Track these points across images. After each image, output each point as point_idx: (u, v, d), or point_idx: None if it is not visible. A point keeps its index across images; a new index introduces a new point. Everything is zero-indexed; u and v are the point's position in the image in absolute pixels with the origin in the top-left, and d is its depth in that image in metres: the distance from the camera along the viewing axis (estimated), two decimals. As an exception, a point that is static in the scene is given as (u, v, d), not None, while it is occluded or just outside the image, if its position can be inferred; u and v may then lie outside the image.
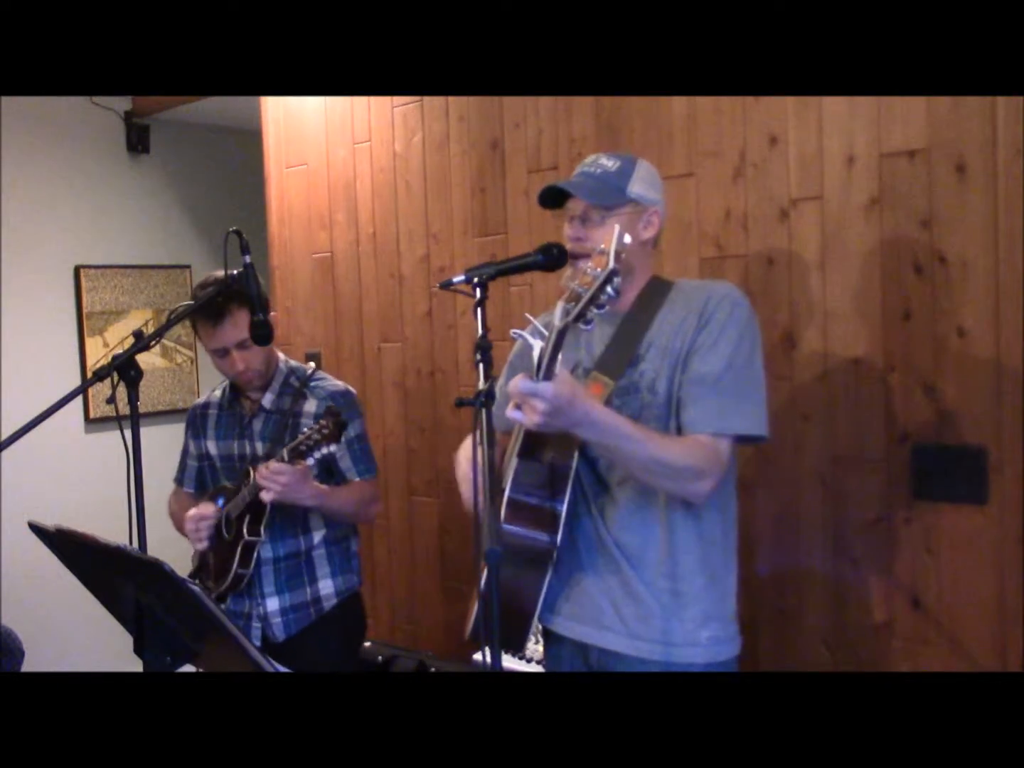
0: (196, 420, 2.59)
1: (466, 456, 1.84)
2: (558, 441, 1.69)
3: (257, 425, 2.44)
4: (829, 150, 2.26)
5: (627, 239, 1.46)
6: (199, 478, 2.60)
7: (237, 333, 2.32)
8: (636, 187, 1.80)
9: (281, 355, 2.53)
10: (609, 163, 1.82)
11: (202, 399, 2.63)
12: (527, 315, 1.81)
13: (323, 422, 2.11)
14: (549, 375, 1.47)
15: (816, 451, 2.32)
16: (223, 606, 2.46)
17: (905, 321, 2.17)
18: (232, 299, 2.30)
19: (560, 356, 1.49)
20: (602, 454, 1.76)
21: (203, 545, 2.39)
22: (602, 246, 1.46)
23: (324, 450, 2.13)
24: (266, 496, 2.19)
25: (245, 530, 2.33)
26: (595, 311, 1.46)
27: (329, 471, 2.45)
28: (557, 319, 1.48)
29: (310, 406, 2.41)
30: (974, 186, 2.07)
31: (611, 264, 1.42)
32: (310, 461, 2.16)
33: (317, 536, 2.46)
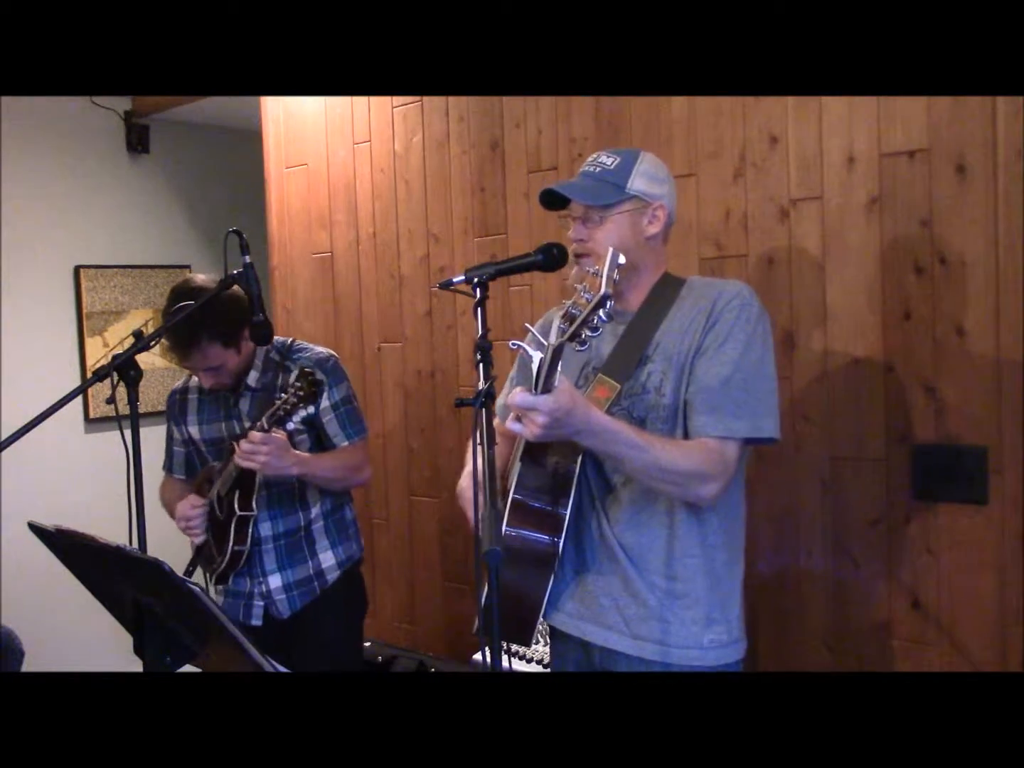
0: (175, 406, 2.55)
1: (468, 483, 1.82)
2: (561, 446, 1.69)
3: (244, 405, 2.42)
4: (829, 150, 2.26)
5: (621, 260, 1.46)
6: (187, 463, 2.58)
7: (206, 362, 2.28)
8: (637, 182, 1.77)
9: None
10: (608, 160, 1.80)
11: (180, 383, 2.58)
12: (526, 325, 1.81)
13: (297, 384, 2.08)
14: (548, 388, 1.47)
15: (816, 451, 2.31)
16: (224, 586, 2.47)
17: (905, 321, 2.17)
18: (200, 331, 2.21)
19: (559, 368, 1.49)
20: (605, 460, 1.75)
21: (200, 540, 2.40)
22: (595, 268, 1.45)
23: (303, 412, 2.11)
24: (249, 466, 2.19)
25: (236, 506, 2.33)
26: (589, 333, 1.46)
27: (319, 439, 2.43)
28: (552, 337, 1.48)
29: (293, 377, 2.37)
30: (974, 186, 2.07)
31: (603, 289, 1.42)
32: (290, 426, 2.14)
33: (315, 510, 2.47)
